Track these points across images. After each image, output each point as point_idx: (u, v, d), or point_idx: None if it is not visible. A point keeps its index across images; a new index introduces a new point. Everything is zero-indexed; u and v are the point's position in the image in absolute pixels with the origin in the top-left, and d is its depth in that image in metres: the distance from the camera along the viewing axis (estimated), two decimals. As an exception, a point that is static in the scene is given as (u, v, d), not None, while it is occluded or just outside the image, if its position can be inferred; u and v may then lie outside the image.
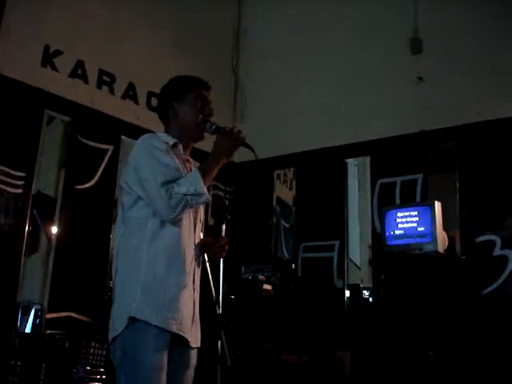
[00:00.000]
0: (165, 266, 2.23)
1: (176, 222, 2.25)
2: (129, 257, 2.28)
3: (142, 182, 2.27)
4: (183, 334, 2.21)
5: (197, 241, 2.41)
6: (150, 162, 2.28)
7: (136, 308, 2.16)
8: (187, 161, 2.49)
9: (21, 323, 4.68)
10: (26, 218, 4.56)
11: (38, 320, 4.66)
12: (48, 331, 4.52)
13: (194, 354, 2.33)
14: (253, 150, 2.46)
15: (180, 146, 2.44)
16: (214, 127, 2.42)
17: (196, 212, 2.42)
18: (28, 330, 4.68)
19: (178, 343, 2.23)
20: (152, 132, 2.56)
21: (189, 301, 2.28)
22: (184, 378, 2.28)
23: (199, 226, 2.45)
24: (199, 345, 2.35)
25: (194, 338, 2.31)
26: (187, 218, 2.33)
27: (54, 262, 4.80)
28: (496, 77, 4.89)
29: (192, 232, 2.37)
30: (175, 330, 2.18)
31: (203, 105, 2.47)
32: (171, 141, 2.41)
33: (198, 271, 2.39)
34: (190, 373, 2.31)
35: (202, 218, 2.51)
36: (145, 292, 2.19)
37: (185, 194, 2.19)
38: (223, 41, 6.63)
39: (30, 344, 4.48)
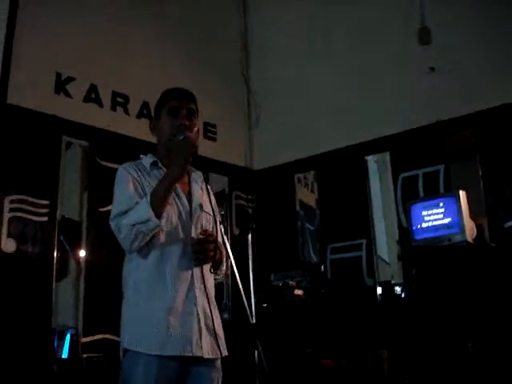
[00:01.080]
0: (147, 293, 2.28)
1: (135, 250, 2.27)
2: (124, 287, 2.38)
3: None
4: (179, 354, 2.22)
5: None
6: (114, 196, 2.37)
7: (128, 341, 2.25)
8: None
9: (57, 348, 4.72)
10: (53, 244, 4.62)
11: (74, 344, 4.69)
12: (85, 355, 4.55)
13: (214, 366, 2.34)
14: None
15: (160, 164, 2.45)
16: (181, 137, 2.36)
17: (188, 229, 2.38)
18: (65, 355, 4.72)
19: (185, 359, 2.24)
20: None
21: (189, 320, 2.27)
22: None
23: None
24: (219, 355, 2.35)
25: (208, 349, 2.29)
26: (172, 239, 2.32)
27: (84, 285, 4.83)
28: (509, 60, 4.83)
29: (185, 250, 2.34)
30: (167, 352, 2.20)
31: (175, 115, 2.45)
32: (149, 161, 2.46)
33: (199, 287, 2.34)
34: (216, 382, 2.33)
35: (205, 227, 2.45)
36: (132, 323, 2.28)
37: (133, 225, 2.21)
38: (232, 49, 6.66)
39: (68, 369, 4.51)
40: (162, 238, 2.30)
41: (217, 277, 2.49)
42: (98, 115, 5.12)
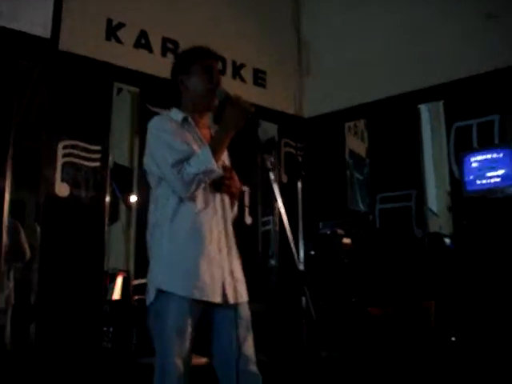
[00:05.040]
0: (184, 239, 2.38)
1: (193, 197, 2.38)
2: (155, 232, 2.46)
3: (158, 164, 2.43)
4: (207, 299, 2.34)
5: (225, 206, 2.51)
6: (159, 146, 2.43)
7: (161, 281, 2.36)
8: (208, 128, 2.60)
9: (109, 290, 4.86)
10: (105, 189, 4.71)
11: (125, 286, 4.82)
12: (136, 296, 4.68)
13: (240, 309, 2.44)
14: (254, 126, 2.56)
15: (190, 120, 2.53)
16: (223, 95, 2.45)
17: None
18: (117, 296, 4.86)
19: (212, 305, 2.38)
20: None
21: (216, 267, 2.39)
22: (237, 333, 2.38)
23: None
24: (244, 299, 2.47)
25: (233, 294, 2.41)
26: (205, 190, 2.44)
27: (136, 229, 4.93)
28: None
29: (215, 198, 2.47)
30: (198, 296, 2.33)
31: (211, 74, 2.53)
32: (180, 117, 2.52)
33: (229, 236, 2.49)
34: (243, 327, 2.42)
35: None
36: (167, 264, 2.38)
37: (196, 174, 2.32)
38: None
39: (120, 310, 4.66)
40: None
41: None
42: (148, 61, 5.12)
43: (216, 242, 2.42)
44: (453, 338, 4.58)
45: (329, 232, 5.09)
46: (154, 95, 5.15)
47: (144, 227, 4.81)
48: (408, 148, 5.54)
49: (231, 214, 2.56)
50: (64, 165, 4.49)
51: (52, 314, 4.24)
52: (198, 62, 2.54)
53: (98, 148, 4.68)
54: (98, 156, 4.67)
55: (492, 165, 4.52)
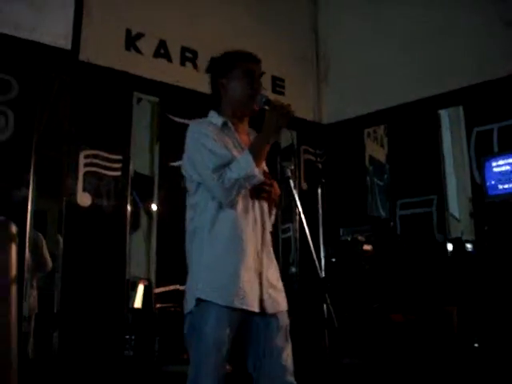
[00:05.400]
0: (224, 246, 2.33)
1: (234, 204, 2.33)
2: (194, 239, 2.41)
3: (197, 169, 2.37)
4: (246, 308, 2.29)
5: (264, 214, 2.46)
6: (199, 150, 2.37)
7: (201, 289, 2.30)
8: (247, 134, 2.55)
9: (131, 298, 4.89)
10: (126, 198, 4.75)
11: (147, 295, 4.85)
12: (158, 305, 4.70)
13: (279, 319, 2.39)
14: (292, 135, 2.44)
15: (230, 124, 2.48)
16: (264, 99, 2.40)
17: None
18: (139, 304, 4.89)
19: (250, 314, 2.32)
20: None
21: (255, 275, 2.35)
22: (273, 343, 2.34)
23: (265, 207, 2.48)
24: (282, 308, 2.42)
25: (271, 303, 2.37)
26: (245, 197, 2.39)
27: (157, 237, 4.96)
28: None
29: (254, 206, 2.42)
30: (238, 305, 2.27)
31: (251, 78, 2.48)
32: (220, 121, 2.47)
33: (267, 244, 2.45)
34: (282, 337, 2.38)
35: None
36: (207, 272, 2.32)
37: (237, 179, 2.27)
38: (301, 2, 6.52)
39: (142, 318, 4.68)
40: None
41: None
42: (167, 71, 5.17)
43: (255, 250, 2.38)
44: (476, 345, 4.54)
45: (349, 239, 5.09)
46: (174, 104, 5.20)
47: (165, 235, 4.91)
48: (428, 153, 5.51)
49: (269, 222, 2.51)
50: (86, 174, 4.54)
51: (75, 322, 4.28)
52: (239, 65, 2.49)
53: (118, 157, 4.73)
54: (118, 165, 4.71)
55: (514, 169, 4.48)
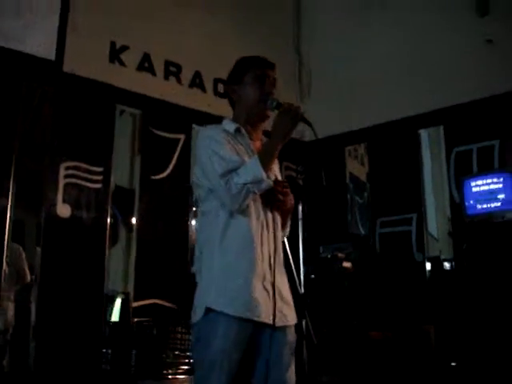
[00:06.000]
0: (235, 254, 2.27)
1: (242, 210, 2.28)
2: (205, 247, 2.36)
3: (207, 175, 2.33)
4: (258, 319, 2.23)
5: (276, 224, 2.40)
6: (208, 156, 2.32)
7: (212, 299, 2.24)
8: (260, 140, 2.51)
9: (110, 312, 4.85)
10: (107, 211, 4.72)
11: (125, 308, 4.81)
12: (136, 319, 4.66)
13: (287, 333, 2.33)
14: (312, 127, 2.38)
15: (243, 131, 2.44)
16: (275, 103, 2.37)
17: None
18: (116, 318, 4.85)
19: (261, 326, 2.25)
20: (222, 118, 2.58)
21: (266, 286, 2.29)
22: (279, 358, 2.28)
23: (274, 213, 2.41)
24: (291, 323, 2.35)
25: (281, 316, 2.30)
26: (257, 206, 2.33)
27: (136, 251, 4.93)
28: None
29: (267, 215, 2.36)
30: (249, 315, 2.21)
31: (263, 83, 2.44)
32: (233, 127, 2.44)
33: (279, 255, 2.38)
34: (288, 352, 2.32)
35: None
36: (218, 280, 2.26)
37: (244, 184, 2.21)
38: (284, 18, 6.58)
39: (119, 332, 4.64)
40: (254, 201, 2.32)
41: (284, 236, 2.51)
42: (151, 84, 5.17)
43: (267, 260, 2.31)
44: (453, 363, 4.56)
45: (329, 256, 5.10)
46: (157, 118, 5.20)
47: (144, 249, 4.88)
48: (408, 172, 5.56)
49: (282, 233, 2.44)
50: (66, 186, 4.51)
51: (51, 335, 4.23)
52: (252, 70, 2.46)
53: (100, 169, 4.70)
54: (99, 177, 4.69)
55: (492, 189, 4.53)
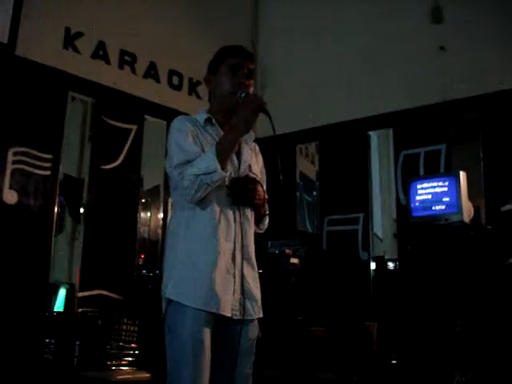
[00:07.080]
0: (198, 245, 2.27)
1: (196, 201, 2.26)
2: (169, 240, 2.38)
3: (170, 165, 2.33)
4: (216, 311, 2.23)
5: (246, 219, 2.40)
6: (171, 146, 2.34)
7: (170, 290, 2.26)
8: None
9: (53, 302, 4.78)
10: (54, 199, 4.65)
11: (69, 299, 4.75)
12: (80, 309, 4.61)
13: (248, 328, 2.33)
14: (271, 120, 2.34)
15: (214, 121, 2.43)
16: (244, 95, 2.35)
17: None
18: (60, 308, 4.78)
19: (222, 319, 2.26)
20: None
21: (228, 279, 2.28)
22: (240, 352, 2.29)
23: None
24: (253, 317, 2.35)
25: (240, 309, 2.30)
26: (223, 196, 2.33)
27: (83, 242, 4.88)
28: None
29: (234, 209, 2.35)
30: (207, 308, 2.21)
31: (235, 73, 2.41)
32: (203, 117, 2.43)
33: (247, 248, 2.38)
34: (246, 347, 2.32)
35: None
36: (178, 271, 2.27)
37: (197, 175, 2.19)
38: (241, 16, 6.58)
39: (63, 322, 4.58)
40: (216, 193, 2.30)
41: (259, 230, 2.53)
42: (105, 72, 5.11)
43: (230, 254, 2.30)
44: (393, 361, 4.67)
45: (277, 251, 5.14)
46: (109, 107, 5.14)
47: (91, 239, 4.83)
48: (357, 173, 5.66)
49: (251, 228, 2.43)
50: (13, 172, 4.41)
51: (-8, 323, 4.15)
52: (226, 60, 2.44)
53: (49, 156, 4.62)
54: (48, 165, 4.61)
55: (437, 192, 4.64)
